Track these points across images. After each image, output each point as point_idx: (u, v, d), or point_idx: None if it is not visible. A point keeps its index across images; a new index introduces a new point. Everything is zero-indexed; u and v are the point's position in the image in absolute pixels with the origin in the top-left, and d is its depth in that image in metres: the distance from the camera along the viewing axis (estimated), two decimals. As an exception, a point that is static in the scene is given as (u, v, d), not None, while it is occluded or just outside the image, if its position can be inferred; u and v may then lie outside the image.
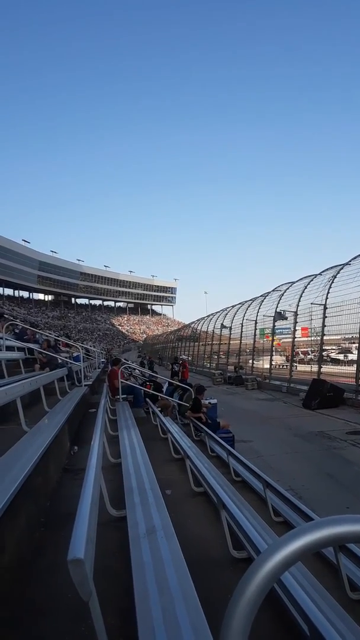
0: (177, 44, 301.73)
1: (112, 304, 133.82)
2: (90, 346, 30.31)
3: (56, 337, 19.93)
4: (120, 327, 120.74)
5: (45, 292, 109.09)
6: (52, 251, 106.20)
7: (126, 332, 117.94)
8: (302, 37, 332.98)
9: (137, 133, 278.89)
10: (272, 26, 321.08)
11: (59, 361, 10.97)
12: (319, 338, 18.63)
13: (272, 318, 22.78)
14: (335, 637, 1.68)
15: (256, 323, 25.65)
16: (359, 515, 0.76)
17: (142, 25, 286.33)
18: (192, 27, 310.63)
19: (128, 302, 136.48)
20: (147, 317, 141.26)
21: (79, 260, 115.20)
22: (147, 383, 12.50)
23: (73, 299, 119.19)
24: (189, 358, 40.67)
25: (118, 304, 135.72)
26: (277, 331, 23.40)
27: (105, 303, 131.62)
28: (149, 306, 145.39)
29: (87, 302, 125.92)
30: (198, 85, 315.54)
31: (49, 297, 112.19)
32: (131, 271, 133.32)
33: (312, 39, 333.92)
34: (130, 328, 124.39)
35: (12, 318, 24.21)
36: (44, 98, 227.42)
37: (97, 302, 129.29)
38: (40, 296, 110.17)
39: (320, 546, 0.75)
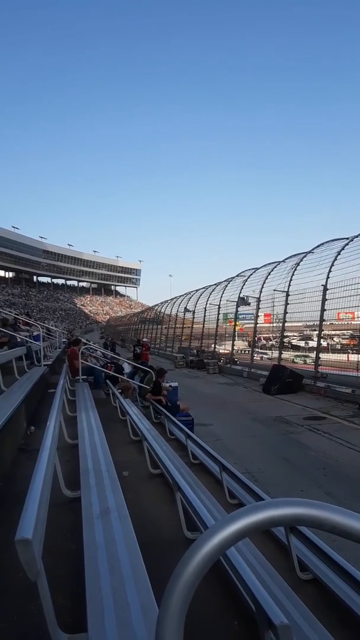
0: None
1: (75, 283, 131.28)
2: (52, 326, 29.87)
3: (16, 316, 19.50)
4: (83, 307, 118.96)
5: (6, 269, 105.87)
6: (13, 227, 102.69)
7: (89, 313, 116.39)
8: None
9: (107, 112, 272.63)
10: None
11: (18, 340, 10.75)
12: (280, 324, 18.94)
13: (235, 303, 22.95)
14: (279, 616, 1.73)
15: (219, 308, 25.80)
16: (294, 499, 0.78)
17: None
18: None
19: (91, 282, 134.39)
20: (111, 298, 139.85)
21: (41, 237, 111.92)
22: (108, 364, 12.44)
23: (35, 277, 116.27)
24: (155, 341, 40.77)
25: (81, 284, 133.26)
26: (240, 316, 23.62)
27: (69, 282, 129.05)
28: (112, 287, 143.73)
29: (50, 281, 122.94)
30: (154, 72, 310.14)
31: (10, 274, 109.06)
32: (95, 251, 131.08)
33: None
34: (93, 308, 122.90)
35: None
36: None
37: (60, 281, 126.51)
38: (1, 273, 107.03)
39: (257, 529, 0.76)
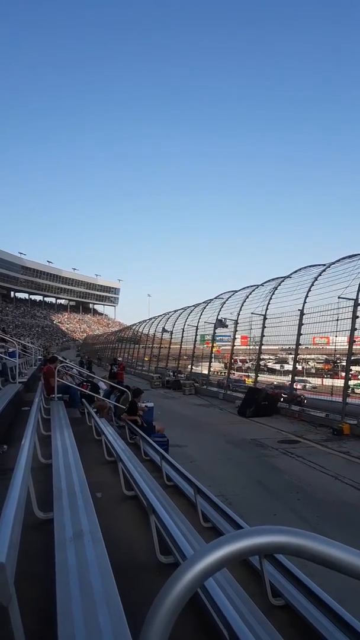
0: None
1: (53, 300, 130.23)
2: (28, 342, 29.48)
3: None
4: (60, 325, 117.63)
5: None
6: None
7: (66, 330, 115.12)
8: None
9: (90, 127, 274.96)
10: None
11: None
12: (257, 347, 19.11)
13: (213, 325, 23.10)
14: (252, 641, 1.73)
15: (197, 329, 25.92)
16: (277, 527, 0.79)
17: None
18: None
19: (70, 300, 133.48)
20: (89, 316, 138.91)
21: (20, 253, 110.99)
22: (84, 383, 12.33)
23: (12, 293, 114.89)
24: (133, 360, 40.58)
25: (59, 301, 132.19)
26: (217, 338, 23.76)
27: (46, 299, 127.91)
28: (90, 305, 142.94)
29: (27, 297, 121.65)
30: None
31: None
32: (75, 269, 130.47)
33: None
34: (71, 326, 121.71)
35: None
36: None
37: (38, 298, 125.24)
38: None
39: (240, 557, 0.77)
